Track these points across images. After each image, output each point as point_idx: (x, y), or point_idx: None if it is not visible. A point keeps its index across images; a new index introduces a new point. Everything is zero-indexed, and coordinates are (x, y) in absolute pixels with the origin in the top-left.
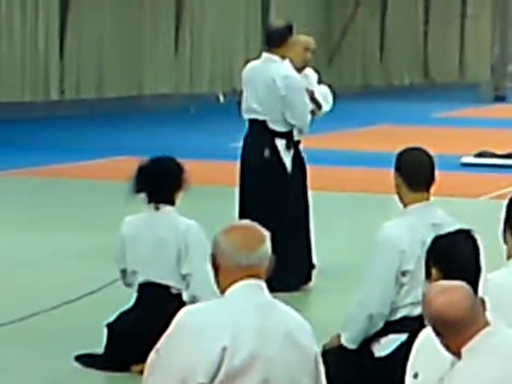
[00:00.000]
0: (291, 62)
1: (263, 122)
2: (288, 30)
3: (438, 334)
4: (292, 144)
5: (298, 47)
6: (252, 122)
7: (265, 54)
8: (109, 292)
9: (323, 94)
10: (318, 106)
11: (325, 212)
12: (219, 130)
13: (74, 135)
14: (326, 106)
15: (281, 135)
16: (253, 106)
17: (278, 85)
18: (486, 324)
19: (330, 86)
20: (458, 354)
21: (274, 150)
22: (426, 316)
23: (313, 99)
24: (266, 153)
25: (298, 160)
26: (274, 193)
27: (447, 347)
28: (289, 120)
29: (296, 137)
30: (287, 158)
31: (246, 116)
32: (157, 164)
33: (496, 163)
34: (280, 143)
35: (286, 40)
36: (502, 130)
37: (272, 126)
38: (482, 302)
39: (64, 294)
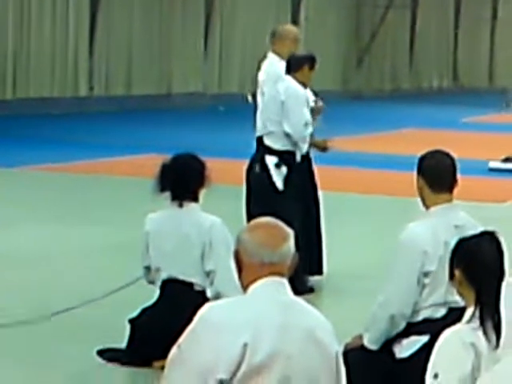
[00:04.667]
0: (280, 55)
1: (260, 138)
2: (308, 59)
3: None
4: (283, 164)
5: (288, 41)
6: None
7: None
8: (132, 289)
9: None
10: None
11: (349, 214)
12: (247, 129)
13: (101, 132)
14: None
15: (273, 152)
16: (257, 123)
17: (279, 91)
18: None
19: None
20: None
21: (264, 167)
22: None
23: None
24: (257, 168)
25: (306, 169)
26: (268, 207)
27: None
28: (285, 129)
29: (297, 155)
30: (277, 176)
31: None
32: (179, 162)
33: None
34: (270, 160)
35: (302, 67)
36: None
37: (267, 141)
38: None
39: (88, 290)
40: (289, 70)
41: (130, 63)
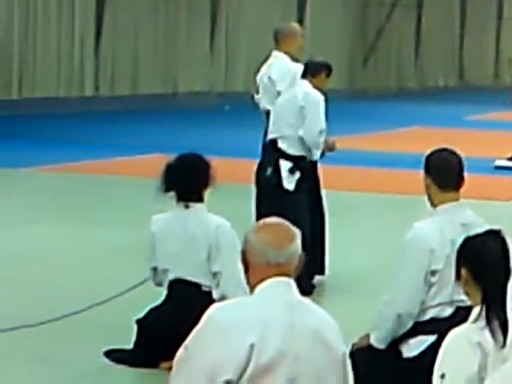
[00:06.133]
0: (289, 53)
1: (274, 141)
2: (326, 67)
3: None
4: (297, 169)
5: (297, 38)
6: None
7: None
8: (140, 290)
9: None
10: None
11: (354, 212)
12: (254, 128)
13: (107, 132)
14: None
15: (287, 157)
16: (270, 125)
17: (297, 96)
18: None
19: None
20: None
21: (277, 171)
22: None
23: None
24: (269, 171)
25: (312, 171)
26: (277, 209)
27: None
28: (300, 133)
29: (308, 158)
30: (288, 181)
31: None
32: (184, 162)
33: None
34: (284, 165)
35: (320, 73)
36: None
37: (281, 145)
38: None
39: (96, 291)
40: (304, 74)
41: (136, 63)
